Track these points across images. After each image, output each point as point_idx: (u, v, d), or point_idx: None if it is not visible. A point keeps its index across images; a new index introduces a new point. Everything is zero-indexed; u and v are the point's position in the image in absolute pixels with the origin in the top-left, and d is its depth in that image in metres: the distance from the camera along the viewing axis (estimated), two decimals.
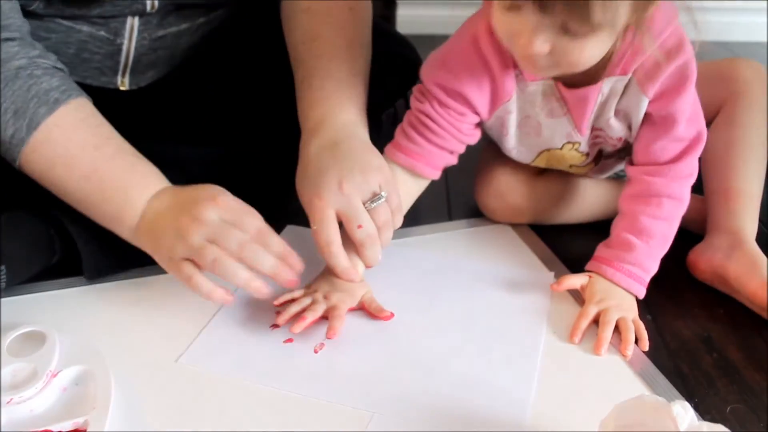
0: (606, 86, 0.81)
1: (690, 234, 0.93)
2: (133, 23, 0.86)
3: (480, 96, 0.83)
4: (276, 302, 0.78)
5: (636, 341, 0.77)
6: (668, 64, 0.77)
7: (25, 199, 0.82)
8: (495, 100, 0.84)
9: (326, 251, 0.75)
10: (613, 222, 0.86)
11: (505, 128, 0.89)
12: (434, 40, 1.34)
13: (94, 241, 0.82)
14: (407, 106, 0.88)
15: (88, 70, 0.89)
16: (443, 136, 0.85)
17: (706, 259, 0.89)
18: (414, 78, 0.89)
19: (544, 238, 0.97)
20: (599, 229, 0.92)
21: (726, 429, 0.54)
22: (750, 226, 0.89)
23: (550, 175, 0.99)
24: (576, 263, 0.89)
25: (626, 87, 0.80)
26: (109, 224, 0.78)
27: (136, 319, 0.79)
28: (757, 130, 0.94)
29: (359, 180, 0.76)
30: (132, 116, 0.88)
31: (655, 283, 0.83)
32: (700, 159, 0.85)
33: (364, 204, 0.76)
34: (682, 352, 0.80)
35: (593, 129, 0.87)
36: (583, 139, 0.88)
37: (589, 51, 0.69)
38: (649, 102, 0.80)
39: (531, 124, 0.88)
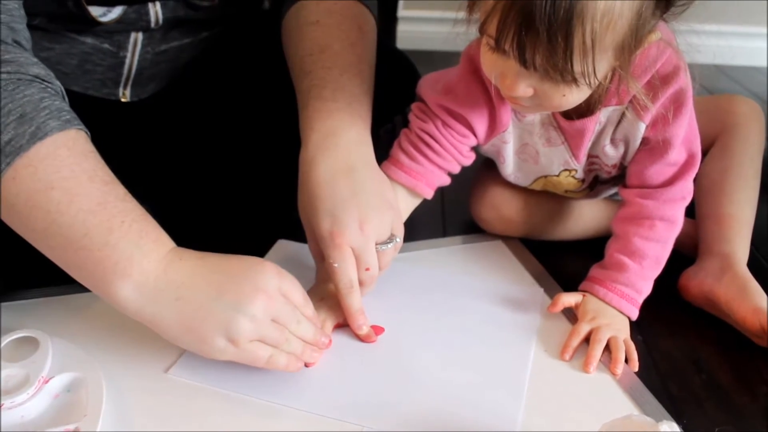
0: (603, 116, 0.82)
1: (681, 256, 0.94)
2: (137, 37, 0.87)
3: (480, 122, 0.85)
4: None
5: (626, 361, 0.78)
6: (663, 91, 0.78)
7: None
8: (492, 128, 0.86)
9: (346, 292, 0.75)
10: (607, 243, 0.87)
11: (502, 156, 0.90)
12: (433, 57, 1.35)
13: None
14: (405, 122, 0.89)
15: (90, 81, 0.89)
16: (444, 156, 0.86)
17: (696, 282, 0.90)
18: (413, 94, 0.90)
19: (537, 255, 0.98)
20: (591, 246, 0.93)
21: None
22: (741, 251, 0.90)
23: (545, 192, 1.00)
24: (568, 280, 0.90)
25: (622, 115, 0.82)
26: (102, 279, 0.65)
27: (128, 326, 0.79)
28: (751, 161, 0.96)
29: (378, 222, 0.76)
30: (132, 127, 0.88)
31: (647, 304, 0.84)
32: (694, 184, 0.85)
33: (376, 245, 0.77)
34: (671, 372, 0.80)
35: (589, 156, 0.88)
36: (579, 167, 0.89)
37: (571, 96, 0.70)
38: (646, 127, 0.81)
39: (529, 152, 0.89)
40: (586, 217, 1.02)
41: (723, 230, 0.92)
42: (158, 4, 0.84)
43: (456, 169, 0.88)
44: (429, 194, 0.87)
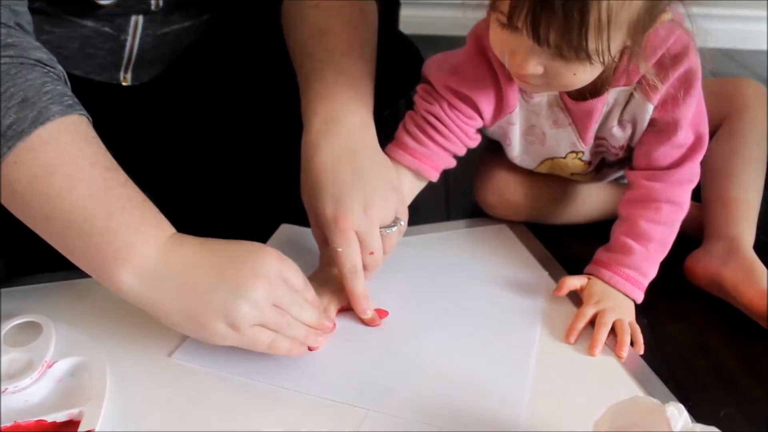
0: (611, 97, 0.81)
1: (687, 240, 0.93)
2: (137, 20, 0.86)
3: (487, 103, 0.84)
4: None
5: (631, 344, 0.77)
6: (673, 71, 0.77)
7: None
8: (499, 110, 0.85)
9: (350, 276, 0.75)
10: (612, 226, 0.87)
11: (508, 138, 0.90)
12: (437, 41, 1.34)
13: None
14: (409, 106, 0.88)
15: (92, 65, 0.89)
16: (450, 138, 0.85)
17: (702, 265, 0.89)
18: (417, 78, 0.89)
19: (541, 238, 0.98)
20: (596, 230, 0.93)
21: (718, 431, 0.54)
22: (748, 234, 0.90)
23: (550, 175, 1.00)
24: (572, 263, 0.89)
25: (630, 96, 0.81)
26: (103, 265, 0.65)
27: (131, 311, 0.78)
28: (758, 144, 0.95)
29: (382, 206, 0.75)
30: (133, 111, 0.88)
31: (652, 288, 0.83)
32: (700, 167, 0.85)
33: (380, 228, 0.76)
34: (676, 356, 0.80)
35: (596, 138, 0.87)
36: (586, 149, 0.88)
37: (582, 75, 0.70)
38: (654, 108, 0.81)
39: (535, 134, 0.88)
40: (590, 201, 1.02)
41: (729, 213, 0.91)
42: None
43: (462, 152, 0.87)
44: (434, 177, 0.87)
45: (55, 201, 0.63)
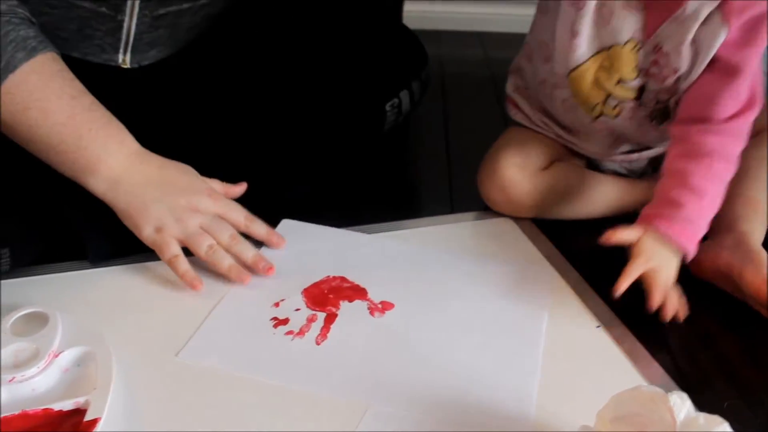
0: (690, 7, 0.82)
1: None
2: (134, 1, 0.86)
3: None
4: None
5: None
6: (754, 6, 0.78)
7: (22, 186, 0.82)
8: None
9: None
10: (659, 183, 0.86)
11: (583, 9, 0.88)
12: (440, 36, 1.34)
13: (97, 227, 0.83)
14: (411, 98, 0.88)
15: (90, 47, 0.89)
16: None
17: (711, 255, 0.89)
18: (420, 70, 0.89)
19: (547, 233, 0.98)
20: (604, 225, 0.93)
21: (722, 419, 0.54)
22: (758, 231, 0.90)
23: (556, 171, 1.00)
24: (578, 258, 0.89)
25: (710, 15, 0.81)
26: (79, 173, 0.79)
27: (138, 303, 0.80)
28: None
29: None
30: (133, 94, 0.88)
31: None
32: None
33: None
34: (679, 348, 0.80)
35: (658, 50, 0.87)
36: (647, 46, 0.87)
37: None
38: (725, 41, 0.81)
39: (604, 12, 0.87)
40: (597, 195, 1.01)
41: (742, 210, 0.91)
42: None
43: None
44: None
45: (35, 129, 0.76)
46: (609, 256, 0.95)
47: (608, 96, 0.94)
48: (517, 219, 1.00)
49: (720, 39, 0.81)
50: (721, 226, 0.92)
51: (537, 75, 1.00)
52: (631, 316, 0.81)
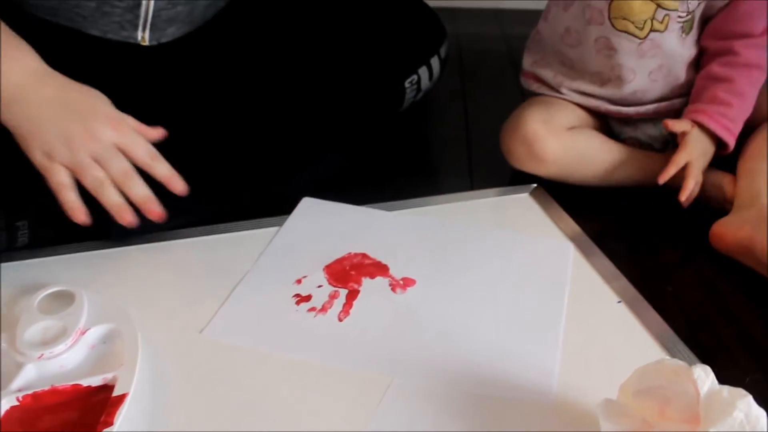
0: None
1: (710, 210, 0.94)
2: None
3: None
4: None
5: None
6: None
7: None
8: None
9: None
10: (697, 87, 0.98)
11: None
12: (457, 13, 1.33)
13: None
14: (429, 74, 0.88)
15: (109, 24, 0.89)
16: None
17: (732, 230, 0.88)
18: (437, 46, 0.89)
19: (567, 209, 0.97)
20: (623, 201, 0.93)
21: (746, 392, 0.54)
22: None
23: (579, 133, 1.00)
24: (599, 233, 0.89)
25: None
26: None
27: (162, 281, 0.80)
28: None
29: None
30: (153, 72, 0.88)
31: (676, 254, 0.83)
32: (738, 144, 0.95)
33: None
34: (701, 323, 0.79)
35: None
36: None
37: None
38: None
39: None
40: (618, 165, 1.00)
41: (765, 185, 0.91)
42: None
43: None
44: None
45: None
46: (630, 232, 0.95)
47: (656, 9, 0.97)
48: (535, 194, 1.00)
49: None
50: (744, 200, 0.91)
51: (557, 29, 1.01)
52: (653, 292, 0.80)
